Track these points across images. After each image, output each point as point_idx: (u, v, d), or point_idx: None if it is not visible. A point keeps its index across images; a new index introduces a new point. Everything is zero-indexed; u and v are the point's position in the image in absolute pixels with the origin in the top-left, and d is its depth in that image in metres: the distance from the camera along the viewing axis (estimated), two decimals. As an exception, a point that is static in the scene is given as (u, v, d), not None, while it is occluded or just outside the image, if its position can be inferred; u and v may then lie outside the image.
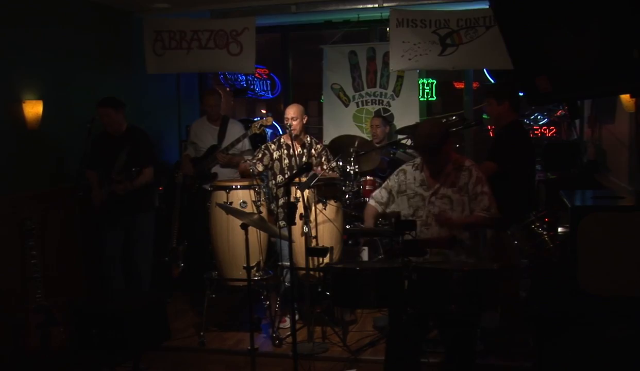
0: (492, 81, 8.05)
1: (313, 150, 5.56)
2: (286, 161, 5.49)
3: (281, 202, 5.40)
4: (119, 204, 5.47)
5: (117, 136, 5.57)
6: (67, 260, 5.69)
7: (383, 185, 4.22)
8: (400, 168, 4.17)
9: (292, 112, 5.44)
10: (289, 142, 5.48)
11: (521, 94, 5.42)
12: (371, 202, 4.21)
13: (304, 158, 5.47)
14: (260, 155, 5.54)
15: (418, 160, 4.10)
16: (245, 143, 6.07)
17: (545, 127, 8.87)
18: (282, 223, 5.31)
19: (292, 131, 5.36)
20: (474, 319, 3.78)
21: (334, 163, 5.61)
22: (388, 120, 7.43)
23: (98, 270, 5.71)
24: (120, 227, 5.62)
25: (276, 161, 5.52)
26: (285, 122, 5.43)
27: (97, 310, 4.43)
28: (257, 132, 5.80)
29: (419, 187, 3.99)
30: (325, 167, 5.48)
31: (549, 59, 2.78)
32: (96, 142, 5.60)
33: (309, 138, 5.59)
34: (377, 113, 7.46)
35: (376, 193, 4.22)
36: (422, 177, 4.00)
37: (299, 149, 5.51)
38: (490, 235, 5.02)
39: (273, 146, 5.55)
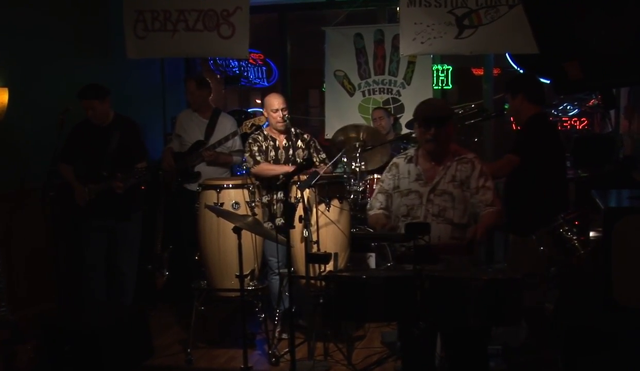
0: (516, 67, 8.03)
1: (300, 141, 5.56)
2: (272, 153, 5.49)
3: (266, 199, 5.41)
4: (105, 205, 5.45)
5: (103, 126, 5.55)
6: (36, 269, 5.68)
7: (377, 189, 4.14)
8: (391, 162, 4.11)
9: (281, 101, 5.47)
10: (273, 134, 5.53)
11: (547, 82, 5.42)
12: (372, 212, 4.08)
13: (290, 151, 5.46)
14: (256, 149, 5.51)
15: (411, 151, 4.05)
16: (236, 142, 6.05)
17: (575, 119, 8.86)
18: (269, 224, 5.32)
19: (283, 122, 5.40)
20: (482, 334, 3.76)
21: (324, 155, 5.61)
22: (390, 111, 7.43)
23: (76, 280, 5.70)
24: (104, 231, 5.60)
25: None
26: (273, 113, 5.43)
27: (71, 324, 4.43)
28: (248, 131, 5.79)
29: (415, 182, 3.92)
30: (315, 159, 5.48)
31: (580, 41, 2.77)
32: (76, 132, 5.56)
33: (293, 129, 5.59)
34: (379, 107, 7.44)
35: (374, 201, 4.10)
36: (417, 170, 3.94)
37: (285, 141, 5.52)
38: (512, 239, 5.01)
39: (260, 137, 5.55)
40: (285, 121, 5.38)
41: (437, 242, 3.71)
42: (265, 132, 5.58)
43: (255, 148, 5.49)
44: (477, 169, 3.87)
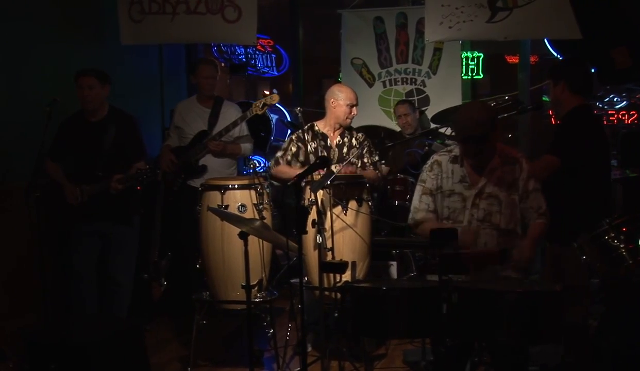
0: (556, 54, 7.99)
1: (354, 139, 5.56)
2: (323, 154, 5.47)
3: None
4: (100, 207, 5.45)
5: (96, 121, 5.57)
6: (19, 278, 5.70)
7: (419, 190, 4.16)
8: (432, 160, 4.14)
9: (355, 95, 5.48)
10: (326, 131, 5.52)
11: (592, 71, 5.39)
12: (420, 215, 4.11)
13: (344, 149, 5.46)
14: (294, 149, 5.51)
15: (456, 150, 4.08)
16: (244, 128, 6.07)
17: (623, 112, 8.79)
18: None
19: (350, 119, 5.45)
20: (523, 351, 3.75)
21: (377, 157, 5.61)
22: (415, 105, 7.40)
23: (64, 290, 5.70)
24: (97, 236, 5.61)
25: (311, 155, 5.51)
26: (347, 107, 5.41)
27: (57, 339, 4.43)
28: (259, 113, 5.77)
29: (458, 184, 3.99)
30: (366, 160, 5.48)
31: (629, 26, 2.75)
32: (66, 127, 5.58)
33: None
34: (402, 100, 7.42)
35: (419, 204, 4.13)
36: (462, 172, 4.00)
37: (338, 138, 5.53)
38: (550, 248, 4.99)
39: (307, 136, 5.53)
40: (347, 119, 5.45)
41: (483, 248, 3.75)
42: (316, 128, 5.57)
43: (293, 149, 5.49)
44: (525, 170, 3.93)
